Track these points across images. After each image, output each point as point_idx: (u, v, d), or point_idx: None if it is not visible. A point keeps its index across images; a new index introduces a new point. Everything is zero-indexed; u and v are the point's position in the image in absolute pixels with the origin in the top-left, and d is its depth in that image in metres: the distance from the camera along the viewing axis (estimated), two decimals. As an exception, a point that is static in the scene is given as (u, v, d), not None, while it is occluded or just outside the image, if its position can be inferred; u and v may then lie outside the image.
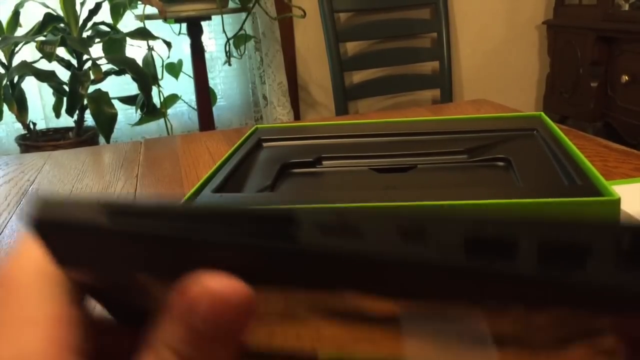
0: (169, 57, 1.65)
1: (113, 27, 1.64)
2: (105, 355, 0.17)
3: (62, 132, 1.72)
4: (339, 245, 0.12)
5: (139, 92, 1.57)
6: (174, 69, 1.83)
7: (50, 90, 1.63)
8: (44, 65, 1.51)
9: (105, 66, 1.56)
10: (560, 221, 0.12)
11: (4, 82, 1.46)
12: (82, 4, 1.59)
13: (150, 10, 1.53)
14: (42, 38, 1.48)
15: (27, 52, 1.62)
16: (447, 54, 1.96)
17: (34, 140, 1.63)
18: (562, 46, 2.09)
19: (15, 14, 1.57)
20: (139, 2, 1.56)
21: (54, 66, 1.53)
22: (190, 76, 1.76)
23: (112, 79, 1.61)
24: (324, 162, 0.42)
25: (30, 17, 1.59)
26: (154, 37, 1.55)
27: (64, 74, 1.57)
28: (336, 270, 0.13)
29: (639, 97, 1.77)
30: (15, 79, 1.53)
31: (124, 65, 1.51)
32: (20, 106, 1.54)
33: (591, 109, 1.94)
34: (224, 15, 1.61)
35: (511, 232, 0.12)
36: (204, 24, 1.66)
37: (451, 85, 1.98)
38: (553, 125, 0.43)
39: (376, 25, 1.96)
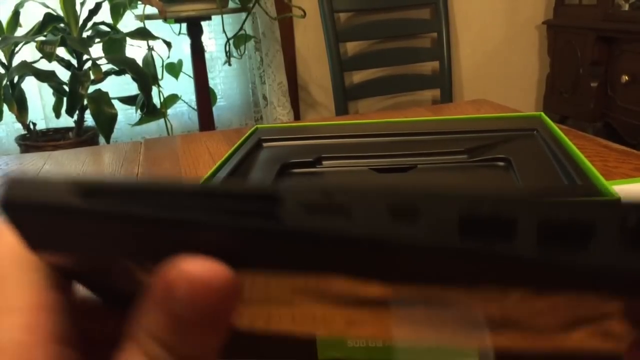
0: (169, 57, 1.65)
1: (113, 27, 1.64)
2: (92, 339, 0.16)
3: (62, 132, 1.72)
4: (325, 226, 0.11)
5: (139, 92, 1.57)
6: (174, 69, 1.83)
7: (50, 90, 1.63)
8: (44, 65, 1.51)
9: (105, 66, 1.56)
10: (561, 201, 0.11)
11: (4, 82, 1.46)
12: (82, 4, 1.59)
13: (150, 10, 1.52)
14: (42, 38, 1.47)
15: (27, 52, 1.62)
16: (447, 54, 1.96)
17: (34, 141, 1.63)
18: (562, 46, 2.09)
19: (15, 14, 1.57)
20: (139, 2, 1.56)
21: (54, 66, 1.53)
22: (190, 76, 1.76)
23: (112, 79, 1.61)
24: (324, 162, 0.42)
25: (30, 17, 1.59)
26: (154, 37, 1.55)
27: (64, 74, 1.57)
28: (322, 252, 0.12)
29: (639, 97, 1.77)
30: (15, 79, 1.53)
31: (124, 65, 1.51)
32: (20, 106, 1.54)
33: (591, 109, 1.94)
34: (224, 15, 1.61)
35: (509, 210, 0.11)
36: (204, 24, 1.66)
37: (451, 85, 1.98)
38: (553, 126, 0.43)
39: (376, 25, 1.96)
